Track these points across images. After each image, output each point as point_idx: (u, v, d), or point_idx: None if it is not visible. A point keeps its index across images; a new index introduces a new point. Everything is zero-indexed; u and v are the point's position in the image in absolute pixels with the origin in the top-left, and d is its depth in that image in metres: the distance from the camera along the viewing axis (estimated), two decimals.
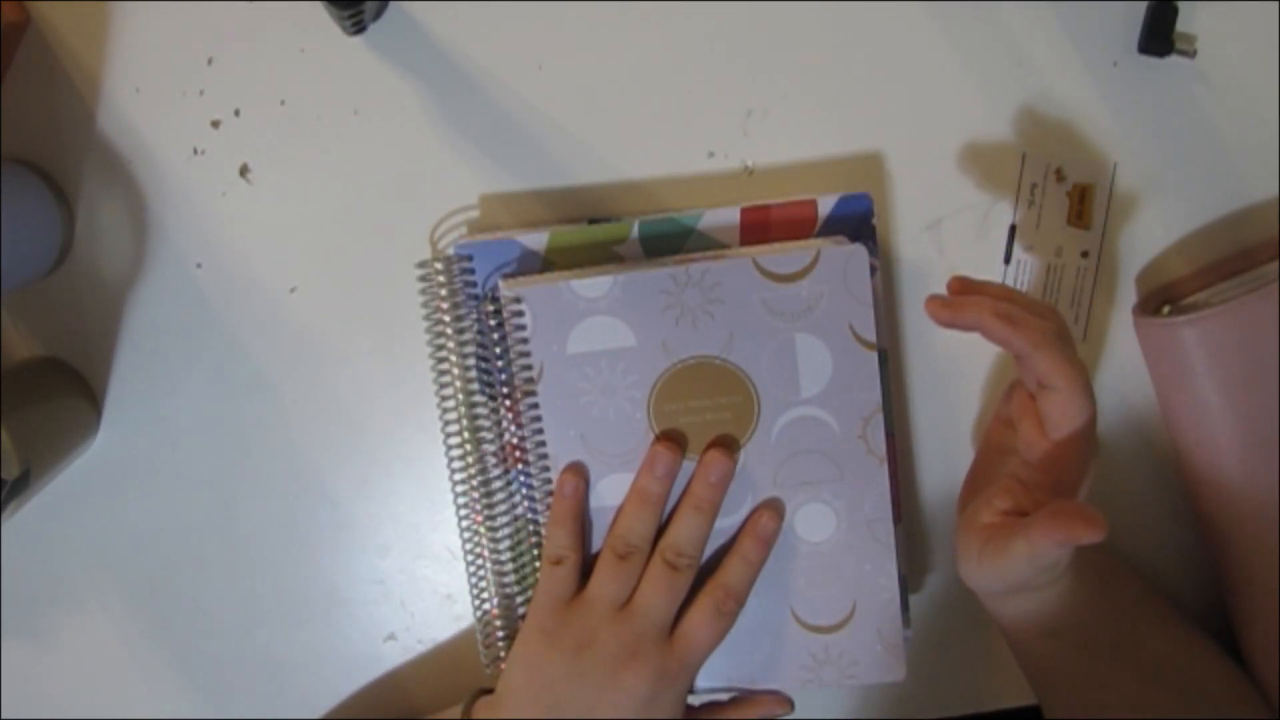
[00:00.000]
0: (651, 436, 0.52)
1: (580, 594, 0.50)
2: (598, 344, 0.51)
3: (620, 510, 0.51)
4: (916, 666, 0.56)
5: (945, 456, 0.56)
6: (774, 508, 0.52)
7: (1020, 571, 0.44)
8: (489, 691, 0.53)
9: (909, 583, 0.55)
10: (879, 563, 0.53)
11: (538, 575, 0.53)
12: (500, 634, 0.53)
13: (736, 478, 0.52)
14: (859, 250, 0.50)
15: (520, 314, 0.51)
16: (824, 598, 0.53)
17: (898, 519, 0.53)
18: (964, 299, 0.46)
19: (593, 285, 0.50)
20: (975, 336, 0.45)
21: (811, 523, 0.53)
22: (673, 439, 0.51)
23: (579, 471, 0.52)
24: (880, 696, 0.59)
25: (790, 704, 0.55)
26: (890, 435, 0.53)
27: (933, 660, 0.58)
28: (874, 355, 0.51)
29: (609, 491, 0.52)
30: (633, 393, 0.51)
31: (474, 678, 0.57)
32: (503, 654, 0.53)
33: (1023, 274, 0.55)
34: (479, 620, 0.54)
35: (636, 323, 0.51)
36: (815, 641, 0.54)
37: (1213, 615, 0.57)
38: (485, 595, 0.54)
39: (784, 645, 0.54)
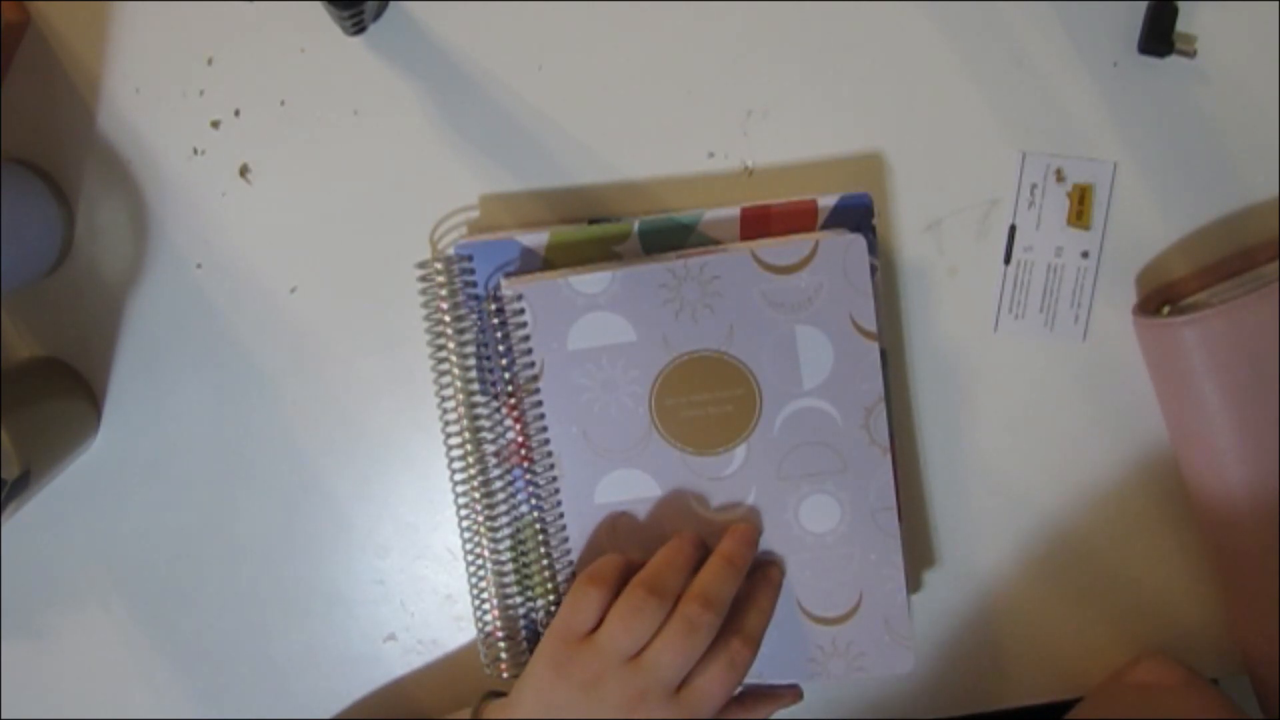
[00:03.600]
0: (654, 431, 0.52)
1: (594, 632, 0.49)
2: (597, 340, 0.51)
3: (656, 555, 0.51)
4: (918, 666, 0.56)
5: (947, 455, 0.56)
6: (776, 563, 0.53)
7: None
8: (498, 694, 0.53)
9: (909, 583, 0.55)
10: (884, 553, 0.53)
11: (539, 576, 0.53)
12: (500, 635, 0.53)
13: (740, 471, 0.52)
14: (857, 240, 0.50)
15: (521, 311, 0.51)
16: (830, 589, 0.53)
17: (899, 519, 0.53)
18: None
19: (592, 281, 0.50)
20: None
21: (816, 514, 0.53)
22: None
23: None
24: (882, 697, 0.59)
25: (800, 695, 0.55)
26: (890, 436, 0.53)
27: (934, 660, 0.58)
28: (874, 345, 0.51)
29: (609, 489, 0.52)
30: (634, 388, 0.51)
31: (474, 678, 0.57)
32: (503, 655, 0.53)
33: (1023, 274, 0.55)
34: (479, 621, 0.54)
35: (636, 317, 0.51)
36: (822, 634, 0.54)
37: (1212, 615, 0.57)
38: (485, 595, 0.54)
39: (791, 638, 0.54)
